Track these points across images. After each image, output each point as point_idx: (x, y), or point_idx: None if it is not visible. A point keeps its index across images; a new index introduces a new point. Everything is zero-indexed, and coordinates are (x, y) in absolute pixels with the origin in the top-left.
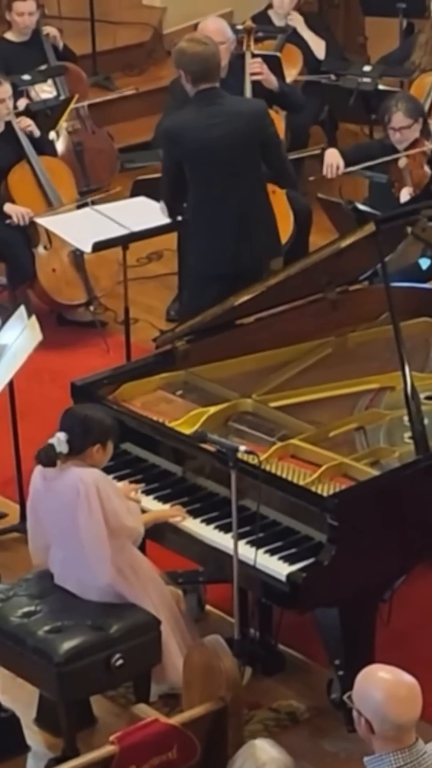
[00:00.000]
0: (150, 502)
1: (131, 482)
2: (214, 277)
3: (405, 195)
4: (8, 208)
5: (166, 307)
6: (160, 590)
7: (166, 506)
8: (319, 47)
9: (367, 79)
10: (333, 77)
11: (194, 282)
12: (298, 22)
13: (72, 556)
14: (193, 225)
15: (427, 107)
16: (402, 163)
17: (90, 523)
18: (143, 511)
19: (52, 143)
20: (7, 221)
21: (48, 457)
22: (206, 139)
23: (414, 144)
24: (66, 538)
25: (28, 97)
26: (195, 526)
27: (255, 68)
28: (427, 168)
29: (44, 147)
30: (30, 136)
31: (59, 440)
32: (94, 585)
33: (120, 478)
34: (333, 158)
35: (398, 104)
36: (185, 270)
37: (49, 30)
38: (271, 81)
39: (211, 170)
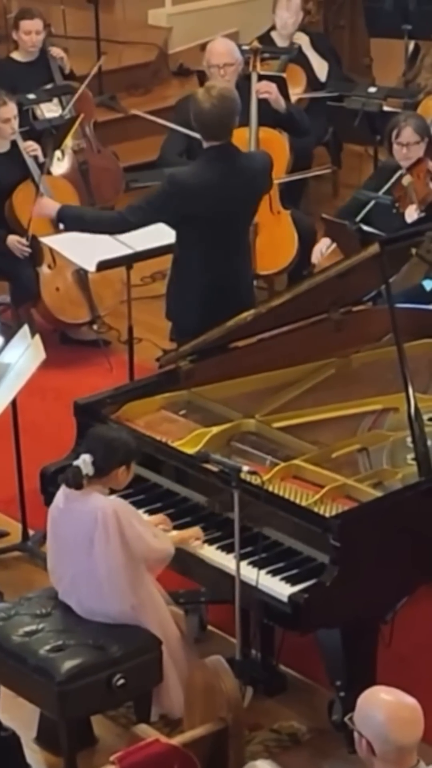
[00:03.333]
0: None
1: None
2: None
3: (411, 213)
4: (10, 241)
5: (170, 327)
6: (161, 620)
7: (169, 526)
8: (321, 69)
9: (376, 100)
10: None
11: (187, 336)
12: (303, 41)
13: (79, 577)
14: (191, 282)
15: None
16: (406, 180)
17: (106, 553)
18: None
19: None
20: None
21: (75, 480)
22: (227, 199)
23: (418, 163)
24: (77, 559)
25: (34, 116)
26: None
27: (264, 88)
28: (431, 184)
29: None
30: (35, 158)
31: (85, 462)
32: (98, 609)
33: (122, 498)
34: (321, 244)
35: (408, 119)
36: (178, 325)
37: (56, 51)
38: (279, 103)
39: (226, 227)
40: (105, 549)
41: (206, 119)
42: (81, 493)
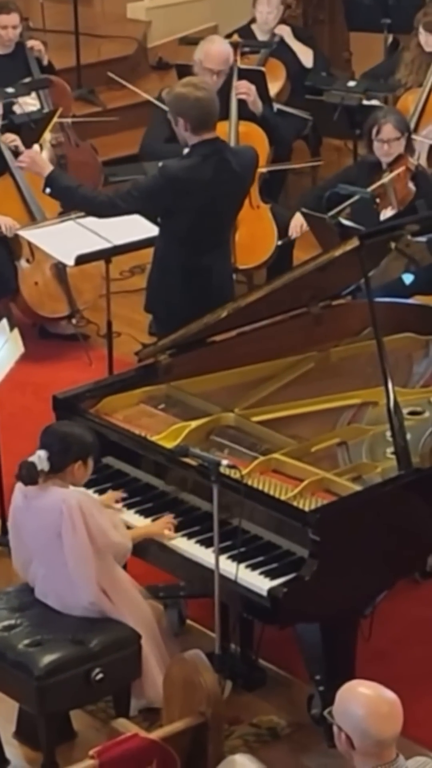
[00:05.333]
0: (132, 516)
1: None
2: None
3: (387, 213)
4: None
5: (149, 321)
6: (139, 607)
7: (148, 520)
8: (306, 56)
9: (355, 94)
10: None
11: (168, 329)
12: (285, 32)
13: (53, 573)
14: (173, 274)
15: (412, 125)
16: (386, 178)
17: (74, 544)
18: (128, 527)
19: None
20: None
21: (30, 476)
22: (217, 196)
23: (398, 159)
24: (47, 556)
25: (11, 110)
26: (176, 540)
27: (243, 89)
28: (411, 185)
29: None
30: (15, 150)
31: (40, 458)
32: (74, 602)
33: (101, 492)
34: (298, 221)
35: (387, 116)
36: (158, 318)
37: (34, 43)
38: (257, 105)
39: (213, 222)
40: (73, 540)
41: (204, 106)
42: (39, 489)
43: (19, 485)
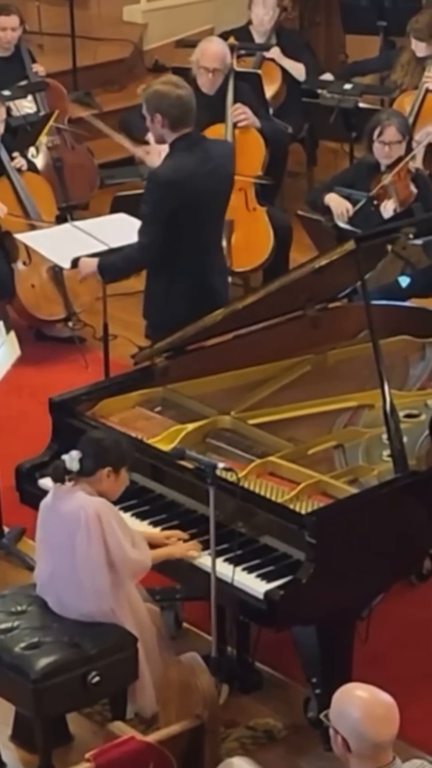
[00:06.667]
0: (128, 519)
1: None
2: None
3: (388, 209)
4: None
5: (145, 324)
6: (140, 619)
7: (144, 523)
8: (299, 72)
9: (351, 96)
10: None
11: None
12: (275, 55)
13: (59, 574)
14: (170, 277)
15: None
16: (386, 179)
17: (88, 553)
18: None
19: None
20: None
21: (57, 473)
22: (207, 185)
23: (397, 162)
24: (59, 557)
25: (8, 114)
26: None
27: (240, 115)
28: (412, 186)
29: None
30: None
31: (71, 457)
32: (73, 608)
33: None
34: (340, 203)
35: (391, 118)
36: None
37: (38, 68)
38: (254, 123)
39: (207, 216)
40: (86, 550)
41: (184, 104)
42: (67, 491)
43: (54, 484)
